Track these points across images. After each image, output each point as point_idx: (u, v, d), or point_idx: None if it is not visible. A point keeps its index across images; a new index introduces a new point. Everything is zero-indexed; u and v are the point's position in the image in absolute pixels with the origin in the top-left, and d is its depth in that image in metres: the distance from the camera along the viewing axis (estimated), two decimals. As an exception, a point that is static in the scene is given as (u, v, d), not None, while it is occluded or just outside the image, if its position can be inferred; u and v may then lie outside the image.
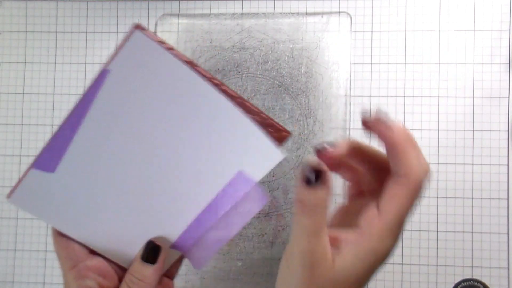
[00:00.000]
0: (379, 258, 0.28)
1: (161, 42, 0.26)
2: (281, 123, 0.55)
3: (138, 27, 0.25)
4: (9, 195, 0.30)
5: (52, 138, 0.28)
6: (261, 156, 0.29)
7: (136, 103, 0.27)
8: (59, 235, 0.31)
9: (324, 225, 0.27)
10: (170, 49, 0.26)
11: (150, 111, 0.27)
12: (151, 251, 0.30)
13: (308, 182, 0.26)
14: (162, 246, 0.31)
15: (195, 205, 0.30)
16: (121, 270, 0.32)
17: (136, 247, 0.31)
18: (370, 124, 0.30)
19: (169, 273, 0.34)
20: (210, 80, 0.27)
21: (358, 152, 0.31)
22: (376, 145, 0.31)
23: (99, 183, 0.29)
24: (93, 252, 0.32)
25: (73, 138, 0.28)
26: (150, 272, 0.30)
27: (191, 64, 0.26)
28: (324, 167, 0.27)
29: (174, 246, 0.32)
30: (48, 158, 0.28)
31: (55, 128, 0.57)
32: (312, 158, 0.28)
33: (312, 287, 0.26)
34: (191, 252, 0.33)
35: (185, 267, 0.54)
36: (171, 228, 0.31)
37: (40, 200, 0.30)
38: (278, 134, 0.29)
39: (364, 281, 0.28)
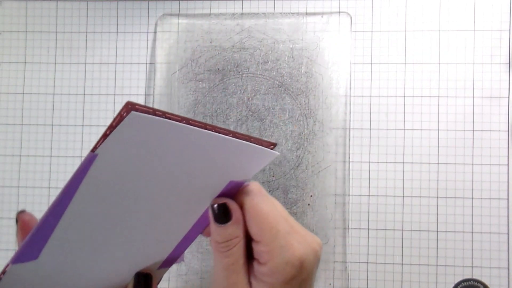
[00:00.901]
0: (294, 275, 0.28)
1: (155, 112, 0.24)
2: (281, 123, 0.55)
3: (131, 105, 0.23)
4: None
5: (33, 233, 0.27)
6: (253, 160, 0.29)
7: (125, 181, 0.26)
8: None
9: (239, 260, 0.28)
10: (164, 115, 0.25)
11: (140, 184, 0.27)
12: (142, 280, 0.31)
13: (218, 221, 0.28)
14: (151, 273, 0.31)
15: (183, 227, 0.30)
16: None
17: (127, 278, 0.31)
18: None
19: None
20: (205, 127, 0.26)
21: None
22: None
23: (85, 254, 0.29)
24: None
25: (56, 226, 0.27)
26: None
27: (185, 120, 0.25)
28: (232, 204, 0.28)
29: (161, 266, 0.32)
30: (29, 251, 0.27)
31: (55, 128, 0.57)
32: (219, 198, 0.29)
33: None
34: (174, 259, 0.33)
35: (185, 267, 0.54)
36: (158, 255, 0.31)
37: (23, 286, 0.29)
38: (266, 144, 0.29)
39: None
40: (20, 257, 0.27)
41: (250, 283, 0.28)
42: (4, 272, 0.27)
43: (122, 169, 0.26)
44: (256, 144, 0.28)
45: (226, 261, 0.28)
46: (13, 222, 0.57)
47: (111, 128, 0.23)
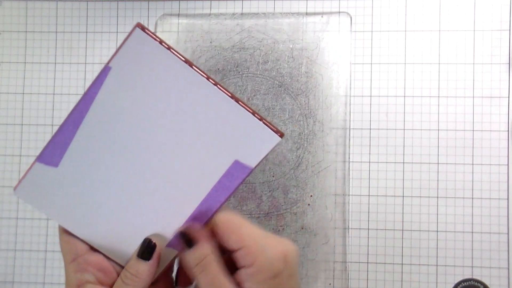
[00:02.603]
0: (277, 275, 0.30)
1: (161, 42, 0.27)
2: (281, 123, 0.55)
3: (139, 25, 0.27)
4: (15, 188, 0.31)
5: (56, 133, 0.29)
6: (257, 142, 0.30)
7: (136, 100, 0.29)
8: (64, 231, 0.32)
9: (218, 275, 0.29)
10: (169, 48, 0.27)
11: (149, 107, 0.29)
12: (147, 248, 0.32)
13: (187, 245, 0.30)
14: (157, 244, 0.32)
15: (191, 202, 0.31)
16: (120, 268, 0.33)
17: (133, 246, 0.32)
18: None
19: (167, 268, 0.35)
20: (207, 79, 0.28)
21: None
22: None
23: (99, 180, 0.31)
24: (94, 249, 0.33)
25: (75, 134, 0.29)
26: (144, 268, 0.31)
27: (189, 63, 0.28)
28: (192, 228, 0.30)
29: (170, 244, 0.32)
30: (52, 153, 0.30)
31: (55, 128, 0.57)
32: (181, 227, 0.31)
33: None
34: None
35: (185, 267, 0.54)
36: (167, 227, 0.32)
37: (43, 195, 0.31)
38: (274, 129, 0.30)
39: None
40: (43, 157, 0.30)
41: None
42: (31, 167, 0.30)
43: (134, 89, 0.28)
44: (261, 121, 0.29)
45: (206, 280, 0.29)
46: (13, 222, 0.57)
47: (121, 45, 0.27)
